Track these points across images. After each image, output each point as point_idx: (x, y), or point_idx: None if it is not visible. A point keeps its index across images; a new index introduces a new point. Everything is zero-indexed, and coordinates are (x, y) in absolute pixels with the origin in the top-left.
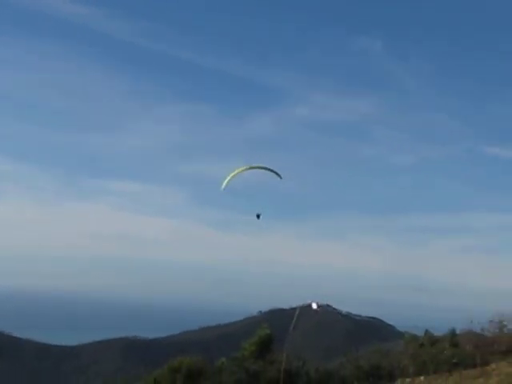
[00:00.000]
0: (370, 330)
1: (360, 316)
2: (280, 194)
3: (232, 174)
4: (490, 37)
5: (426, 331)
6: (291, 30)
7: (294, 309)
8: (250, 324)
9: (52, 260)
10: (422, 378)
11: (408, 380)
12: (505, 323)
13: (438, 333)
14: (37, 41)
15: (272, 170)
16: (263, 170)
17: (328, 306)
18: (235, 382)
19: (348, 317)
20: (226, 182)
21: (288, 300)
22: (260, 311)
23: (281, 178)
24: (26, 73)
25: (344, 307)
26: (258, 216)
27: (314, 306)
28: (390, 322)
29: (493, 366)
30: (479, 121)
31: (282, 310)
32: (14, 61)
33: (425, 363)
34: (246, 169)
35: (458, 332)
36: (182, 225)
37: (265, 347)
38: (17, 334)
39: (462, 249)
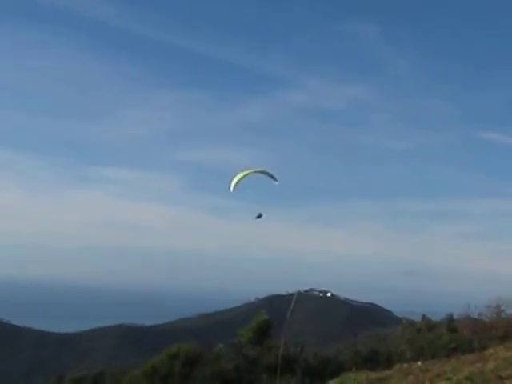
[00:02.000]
0: (367, 315)
1: (357, 302)
2: (279, 182)
3: (237, 178)
4: (485, 20)
5: (424, 316)
6: (286, 15)
7: (291, 295)
8: (248, 311)
9: (50, 248)
10: (419, 363)
11: (406, 365)
12: (502, 308)
13: (435, 318)
14: (34, 29)
15: (270, 175)
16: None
17: (326, 291)
18: (233, 368)
19: (345, 303)
20: (233, 184)
21: (286, 286)
22: (257, 297)
23: (276, 181)
24: (23, 61)
25: (342, 293)
26: (259, 216)
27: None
28: (388, 308)
29: (490, 350)
30: (474, 106)
31: (279, 297)
32: (12, 50)
33: (422, 348)
34: (250, 173)
35: (455, 317)
36: (179, 212)
37: (263, 333)
38: (16, 322)
39: (459, 234)
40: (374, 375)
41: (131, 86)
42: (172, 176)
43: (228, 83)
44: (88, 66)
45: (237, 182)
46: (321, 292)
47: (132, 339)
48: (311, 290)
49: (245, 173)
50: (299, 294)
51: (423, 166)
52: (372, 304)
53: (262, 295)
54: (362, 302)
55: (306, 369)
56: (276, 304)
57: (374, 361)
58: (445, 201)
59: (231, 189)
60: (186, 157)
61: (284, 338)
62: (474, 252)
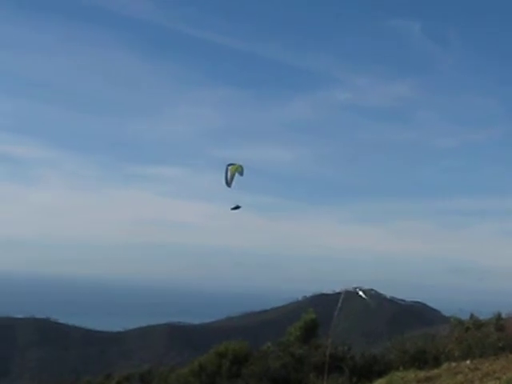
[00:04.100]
0: (414, 314)
1: (404, 301)
2: (319, 179)
3: (232, 172)
4: None
5: (472, 315)
6: (330, 13)
7: (337, 294)
8: (295, 309)
9: (96, 247)
10: (467, 362)
11: (454, 364)
12: None
13: (483, 317)
14: (75, 27)
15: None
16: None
17: (372, 290)
18: (281, 367)
19: (392, 301)
20: (230, 179)
21: (331, 285)
22: (304, 296)
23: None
24: (65, 59)
25: (388, 292)
26: (236, 207)
27: (361, 293)
28: (435, 307)
29: None
30: None
31: (325, 295)
32: (52, 47)
33: (470, 347)
34: (238, 168)
35: (503, 316)
36: (221, 210)
37: (310, 332)
38: (63, 320)
39: (507, 232)
40: (422, 374)
41: (176, 84)
42: (215, 174)
43: (272, 81)
44: (134, 65)
45: (232, 179)
46: (367, 291)
47: (179, 338)
48: (358, 288)
49: (235, 167)
50: (346, 292)
51: (469, 163)
52: (419, 303)
53: (308, 294)
54: (409, 301)
55: (354, 368)
56: (322, 303)
57: (421, 360)
58: (491, 198)
59: (229, 185)
60: (227, 154)
61: (331, 337)
62: None
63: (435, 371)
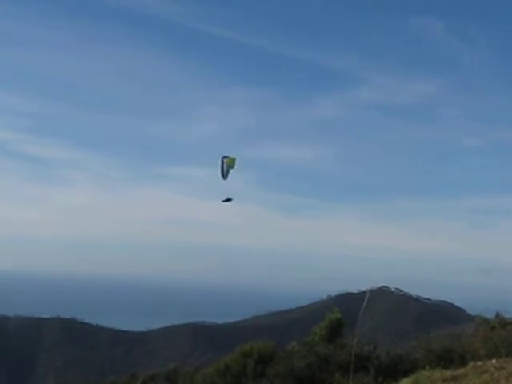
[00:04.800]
0: (440, 313)
1: (430, 300)
2: (348, 178)
3: (228, 164)
4: None
5: (497, 314)
6: (353, 12)
7: (363, 292)
8: (320, 308)
9: (121, 247)
10: (493, 361)
11: (480, 363)
12: None
13: (509, 315)
14: (101, 28)
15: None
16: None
17: (397, 289)
18: (306, 366)
19: (418, 300)
20: (226, 172)
21: (356, 284)
22: (329, 295)
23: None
24: (91, 60)
25: (414, 290)
26: (228, 200)
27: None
28: (460, 305)
29: None
30: None
31: (350, 294)
32: (78, 48)
33: (496, 346)
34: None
35: None
36: (247, 210)
37: (335, 331)
38: (88, 320)
39: None
40: (448, 373)
41: (202, 85)
42: (241, 174)
43: (298, 81)
44: (160, 66)
45: (228, 171)
46: (393, 290)
47: (204, 337)
48: (383, 287)
49: (230, 159)
50: (371, 291)
51: (495, 161)
52: (445, 302)
53: (333, 293)
54: (435, 300)
55: (379, 367)
56: (348, 302)
57: (447, 359)
58: None
59: (224, 177)
60: (253, 155)
61: (357, 336)
62: None
63: (461, 370)
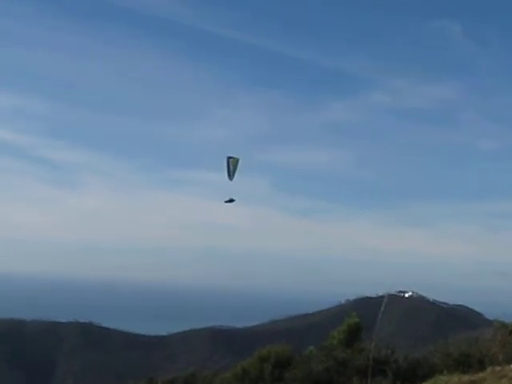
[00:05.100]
0: (457, 317)
1: (447, 304)
2: (362, 182)
3: (233, 165)
4: None
5: None
6: (367, 16)
7: (381, 297)
8: (338, 313)
9: (139, 251)
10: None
11: (498, 368)
12: None
13: None
14: (113, 31)
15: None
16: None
17: (414, 293)
18: (324, 370)
19: (435, 304)
20: (232, 172)
21: (374, 288)
22: (347, 299)
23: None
24: (104, 63)
25: (431, 295)
26: (231, 200)
27: (407, 294)
28: (478, 310)
29: None
30: None
31: (368, 299)
32: (90, 51)
33: None
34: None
35: None
36: (263, 213)
37: (353, 335)
38: (106, 324)
39: None
40: (466, 378)
41: (217, 88)
42: (257, 178)
43: (312, 84)
44: (175, 69)
45: (234, 171)
46: (410, 294)
47: (222, 341)
48: (401, 292)
49: (235, 160)
50: (389, 296)
51: None
52: (462, 306)
53: (352, 297)
54: (452, 304)
55: (397, 371)
56: (366, 306)
57: (465, 363)
58: None
59: (230, 177)
60: (267, 158)
61: (375, 340)
62: None
63: (480, 375)
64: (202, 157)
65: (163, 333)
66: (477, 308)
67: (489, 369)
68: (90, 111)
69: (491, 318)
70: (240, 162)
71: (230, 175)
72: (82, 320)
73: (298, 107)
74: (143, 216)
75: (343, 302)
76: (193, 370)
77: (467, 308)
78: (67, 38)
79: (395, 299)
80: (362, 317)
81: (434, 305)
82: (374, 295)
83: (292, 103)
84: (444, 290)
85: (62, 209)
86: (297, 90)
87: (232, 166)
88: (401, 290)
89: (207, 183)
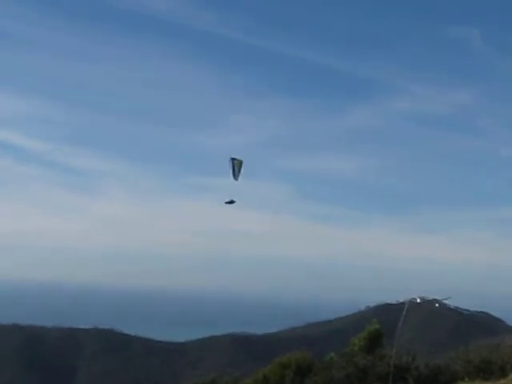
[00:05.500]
0: (477, 324)
1: (468, 310)
2: (380, 188)
3: (238, 165)
4: None
5: None
6: (389, 22)
7: (401, 303)
8: (358, 319)
9: (157, 258)
10: None
11: None
12: None
13: None
14: (137, 39)
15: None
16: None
17: (435, 299)
18: (345, 377)
19: (455, 311)
20: (237, 172)
21: (394, 294)
22: (368, 306)
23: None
24: (126, 71)
25: (451, 301)
26: (231, 202)
27: (418, 300)
28: (498, 316)
29: None
30: None
31: (389, 305)
32: (114, 59)
33: None
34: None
35: None
36: (283, 219)
37: (374, 342)
38: (126, 331)
39: None
40: None
41: (238, 95)
42: (275, 184)
43: (333, 91)
44: (195, 76)
45: (239, 172)
46: (430, 300)
47: (242, 348)
48: (421, 298)
49: (239, 161)
50: (409, 302)
51: None
52: (483, 312)
53: (372, 304)
54: (473, 311)
55: (418, 378)
56: (386, 312)
57: (487, 370)
58: None
59: (235, 178)
60: (288, 164)
61: (396, 347)
62: None
63: (501, 382)
64: (222, 163)
65: (182, 339)
66: (498, 315)
67: (510, 375)
68: (110, 118)
69: None
70: (260, 168)
71: (235, 176)
72: (103, 326)
73: (318, 113)
74: (163, 223)
75: (363, 308)
76: (213, 376)
77: (488, 315)
78: (82, 43)
79: (414, 305)
80: (382, 323)
81: (452, 311)
82: (394, 302)
83: (312, 109)
84: (465, 297)
85: (83, 216)
86: (317, 96)
87: (237, 167)
88: (421, 296)
89: (227, 190)
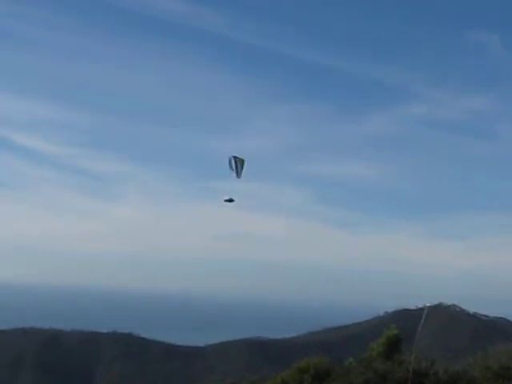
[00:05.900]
0: (496, 329)
1: (487, 316)
2: (400, 194)
3: (240, 163)
4: None
5: None
6: (407, 28)
7: (420, 309)
8: (377, 324)
9: (176, 262)
10: None
11: None
12: None
13: None
14: (157, 44)
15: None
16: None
17: (454, 305)
18: (364, 382)
19: (474, 316)
20: (240, 170)
21: (414, 300)
22: (386, 311)
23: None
24: (146, 74)
25: (470, 307)
26: (230, 200)
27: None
28: None
29: None
30: None
31: (407, 311)
32: (135, 62)
33: None
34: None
35: None
36: (301, 224)
37: (393, 347)
38: (145, 335)
39: None
40: None
41: (255, 99)
42: (294, 189)
43: (350, 96)
44: (214, 80)
45: (242, 169)
46: (449, 306)
47: (260, 352)
48: (440, 303)
49: (241, 160)
50: (428, 308)
51: None
52: (502, 318)
53: (390, 309)
54: (492, 316)
55: None
56: (405, 318)
57: (505, 376)
58: None
59: (238, 176)
60: (306, 169)
61: (414, 352)
62: None
63: None
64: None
65: (200, 344)
66: None
67: None
68: (128, 122)
69: None
70: (280, 172)
71: (238, 173)
72: (122, 330)
73: (336, 119)
74: (181, 227)
75: (382, 313)
76: (231, 380)
77: (506, 320)
78: (109, 50)
79: (433, 311)
80: (400, 329)
81: (471, 316)
82: (412, 307)
83: (330, 115)
84: (485, 303)
85: (103, 220)
86: (337, 101)
87: (239, 165)
88: (440, 302)
89: (244, 194)
